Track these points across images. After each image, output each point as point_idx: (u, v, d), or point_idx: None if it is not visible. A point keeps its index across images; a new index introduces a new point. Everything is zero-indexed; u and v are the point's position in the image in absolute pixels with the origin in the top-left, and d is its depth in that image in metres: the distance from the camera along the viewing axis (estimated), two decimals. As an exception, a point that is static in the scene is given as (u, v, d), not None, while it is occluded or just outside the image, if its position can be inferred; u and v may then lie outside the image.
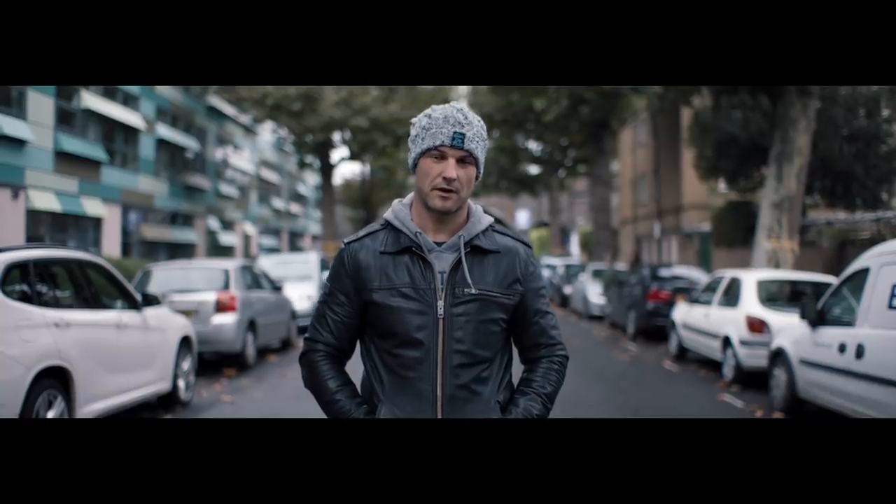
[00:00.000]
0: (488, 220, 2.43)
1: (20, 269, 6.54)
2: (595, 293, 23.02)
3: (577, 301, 25.54)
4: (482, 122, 2.38)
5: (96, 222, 28.18)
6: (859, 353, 7.41)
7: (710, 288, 13.41)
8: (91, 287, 7.65)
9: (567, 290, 28.10)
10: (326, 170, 38.46)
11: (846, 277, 8.31)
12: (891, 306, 7.09)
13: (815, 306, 8.70)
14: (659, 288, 17.12)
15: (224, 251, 41.38)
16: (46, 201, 24.18)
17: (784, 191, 16.90)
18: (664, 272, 18.90)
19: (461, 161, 2.30)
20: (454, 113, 2.31)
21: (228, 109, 40.72)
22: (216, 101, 38.89)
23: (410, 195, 2.47)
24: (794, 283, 12.14)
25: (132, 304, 8.29)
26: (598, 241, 35.38)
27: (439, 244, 2.36)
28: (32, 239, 23.40)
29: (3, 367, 5.83)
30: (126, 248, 30.15)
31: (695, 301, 13.74)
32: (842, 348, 7.78)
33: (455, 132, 2.27)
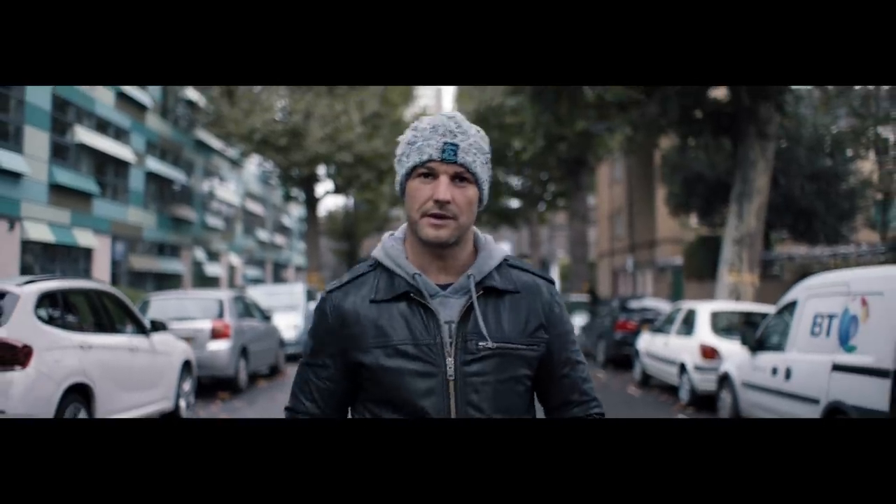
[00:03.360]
0: (502, 252, 2.04)
1: (49, 298, 7.47)
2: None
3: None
4: (482, 132, 1.97)
5: (87, 253, 28.97)
6: (788, 374, 8.44)
7: (670, 319, 14.44)
8: (107, 313, 8.57)
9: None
10: (311, 203, 39.43)
11: (780, 308, 9.33)
12: (812, 333, 8.13)
13: (754, 334, 9.72)
14: (627, 319, 18.16)
15: (210, 282, 42.13)
16: (40, 232, 24.99)
17: (744, 228, 18.00)
18: (633, 304, 19.92)
19: (456, 178, 1.89)
20: (444, 121, 1.91)
21: (215, 143, 41.68)
22: (204, 134, 39.89)
23: (403, 226, 2.05)
24: (745, 314, 13.16)
25: (141, 330, 9.19)
26: (576, 273, 36.48)
27: (443, 287, 1.94)
28: (26, 269, 24.21)
29: (39, 383, 6.74)
30: (115, 279, 30.88)
31: (657, 331, 14.77)
32: (774, 371, 8.80)
33: (446, 143, 1.87)
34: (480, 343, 1.89)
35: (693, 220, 28.91)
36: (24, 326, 6.84)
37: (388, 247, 2.00)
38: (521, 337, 1.94)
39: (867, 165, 24.00)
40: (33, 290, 7.19)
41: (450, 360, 1.88)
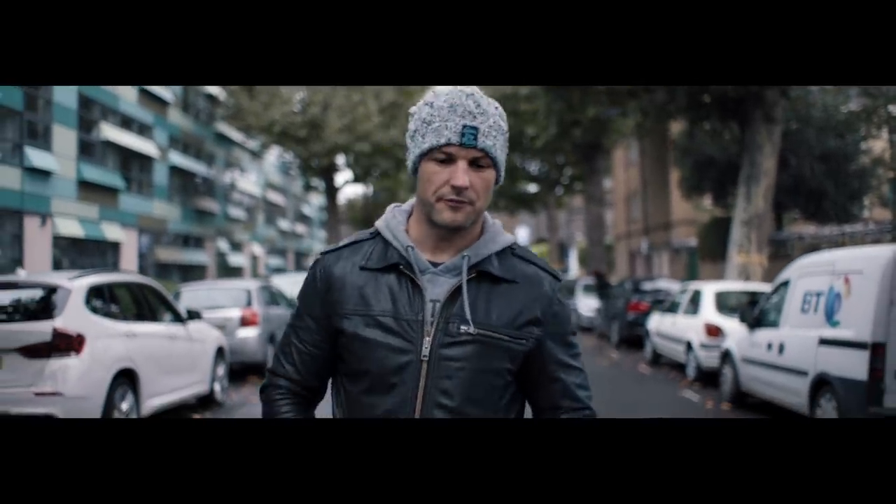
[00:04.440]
0: (508, 239, 1.94)
1: (97, 291, 8.17)
2: (586, 307, 24.62)
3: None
4: (500, 108, 1.87)
5: (115, 246, 29.84)
6: (781, 349, 9.04)
7: (678, 299, 15.03)
8: (148, 304, 9.28)
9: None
10: (331, 192, 40.15)
11: (776, 287, 9.91)
12: (802, 310, 8.72)
13: (752, 312, 10.31)
14: (639, 300, 18.76)
15: (233, 272, 43.00)
16: (70, 227, 25.85)
17: (753, 209, 18.49)
18: (646, 286, 20.50)
19: (475, 163, 1.81)
20: (463, 100, 1.81)
21: (236, 135, 42.46)
22: (224, 127, 40.67)
23: (411, 200, 1.98)
24: (749, 294, 13.71)
25: (178, 319, 9.89)
26: (593, 256, 37.02)
27: (437, 265, 1.87)
28: (56, 263, 25.09)
29: (92, 368, 7.45)
30: (142, 270, 31.74)
31: (666, 311, 15.36)
32: (769, 346, 9.40)
33: (465, 125, 1.78)
34: (462, 327, 1.81)
35: (707, 201, 29.37)
36: (76, 317, 7.54)
37: (389, 217, 1.95)
38: (508, 328, 1.84)
39: (879, 144, 24.33)
40: (83, 283, 7.89)
41: (427, 340, 1.81)
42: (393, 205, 1.98)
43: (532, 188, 48.89)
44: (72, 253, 26.74)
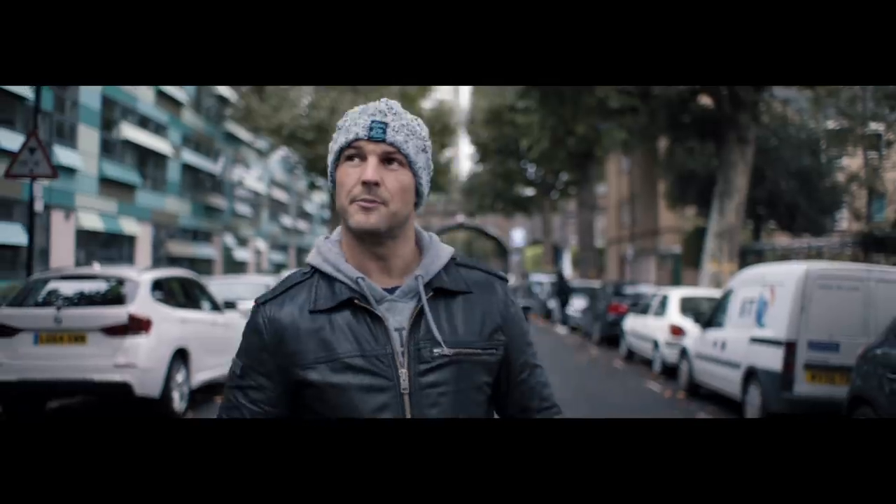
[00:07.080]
0: (449, 250, 1.84)
1: (158, 283, 9.92)
2: (573, 307, 26.44)
3: (557, 314, 28.99)
4: (420, 121, 1.80)
5: (131, 240, 31.56)
6: (723, 346, 10.83)
7: (649, 303, 16.84)
8: (194, 295, 11.03)
9: (551, 304, 31.55)
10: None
11: (724, 294, 11.70)
12: (740, 314, 10.53)
13: (706, 315, 12.11)
14: (619, 302, 20.59)
15: (238, 266, 44.71)
16: (92, 221, 27.57)
17: (725, 223, 20.26)
18: (627, 289, 22.32)
19: (387, 161, 1.71)
20: (376, 104, 1.76)
21: (244, 135, 44.16)
22: (233, 127, 42.37)
23: (339, 229, 1.84)
24: (710, 299, 15.50)
25: (216, 308, 11.64)
26: (583, 260, 38.90)
27: (389, 291, 1.75)
28: (77, 255, 26.82)
29: (158, 346, 9.21)
30: (155, 263, 33.45)
31: (639, 313, 17.17)
32: (715, 344, 11.19)
33: (374, 121, 1.71)
34: (435, 350, 1.71)
35: (690, 211, 31.15)
36: (145, 304, 9.30)
37: (324, 251, 1.80)
38: (479, 340, 1.77)
39: (856, 162, 25.99)
40: (148, 276, 9.66)
41: (403, 372, 1.70)
42: (320, 237, 1.86)
43: (528, 191, 50.69)
44: (91, 245, 28.41)
